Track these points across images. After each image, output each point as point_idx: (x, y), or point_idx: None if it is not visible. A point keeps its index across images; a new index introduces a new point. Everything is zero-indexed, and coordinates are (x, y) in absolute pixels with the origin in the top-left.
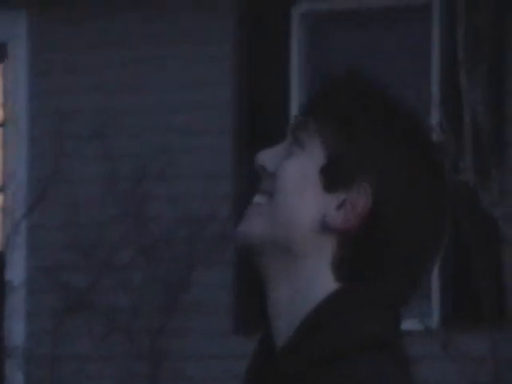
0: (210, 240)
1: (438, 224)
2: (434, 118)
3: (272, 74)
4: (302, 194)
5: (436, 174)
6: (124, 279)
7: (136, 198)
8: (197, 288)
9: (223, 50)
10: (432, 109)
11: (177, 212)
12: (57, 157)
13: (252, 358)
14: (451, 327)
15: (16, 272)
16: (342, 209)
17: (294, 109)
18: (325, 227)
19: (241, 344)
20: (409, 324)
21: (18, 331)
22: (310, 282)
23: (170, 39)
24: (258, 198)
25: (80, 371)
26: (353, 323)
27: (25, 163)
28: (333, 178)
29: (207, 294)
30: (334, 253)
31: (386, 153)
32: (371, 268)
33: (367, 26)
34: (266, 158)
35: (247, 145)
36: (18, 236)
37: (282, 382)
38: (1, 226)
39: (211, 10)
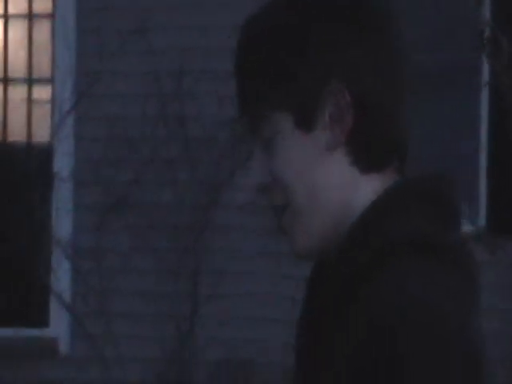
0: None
1: (404, 85)
2: (489, 18)
3: None
4: (310, 172)
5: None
6: (167, 175)
7: (178, 95)
8: (239, 187)
9: None
10: (487, 12)
11: (220, 111)
12: (102, 51)
13: (311, 269)
14: (498, 233)
15: (63, 164)
16: (334, 124)
17: None
18: (333, 148)
19: (284, 241)
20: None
21: (65, 223)
22: (354, 196)
23: None
24: (283, 216)
25: (124, 264)
26: (401, 223)
27: (72, 56)
28: (307, 119)
29: (249, 193)
30: (350, 156)
31: (342, 50)
32: (379, 139)
33: None
34: (260, 175)
35: None
36: (65, 128)
37: (335, 285)
38: (49, 118)
39: None
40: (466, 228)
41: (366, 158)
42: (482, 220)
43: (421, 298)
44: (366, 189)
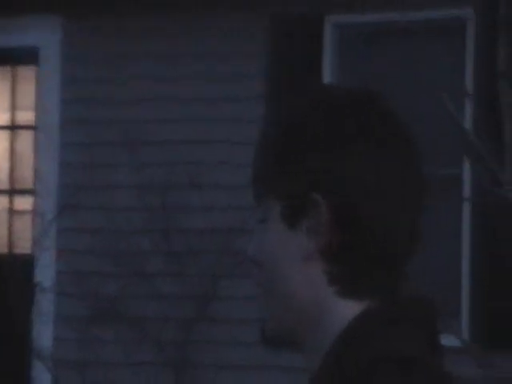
0: (238, 252)
1: (411, 215)
2: (471, 130)
3: (304, 89)
4: (283, 269)
5: (398, 163)
6: (152, 288)
7: (165, 207)
8: (224, 299)
9: (253, 64)
10: (468, 122)
11: (205, 222)
12: (88, 163)
13: None
14: (483, 345)
15: (45, 275)
16: (311, 235)
17: None
18: (309, 259)
19: (267, 355)
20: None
21: (46, 334)
22: (327, 316)
23: (201, 53)
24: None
25: (107, 378)
26: (374, 346)
27: (56, 168)
28: (289, 217)
29: (234, 305)
30: (328, 274)
31: (327, 164)
32: (362, 268)
33: (401, 39)
34: (250, 249)
35: None
36: (47, 239)
37: None
38: (31, 228)
39: (241, 24)
40: (451, 343)
41: (345, 283)
42: (465, 333)
43: None
44: (342, 312)
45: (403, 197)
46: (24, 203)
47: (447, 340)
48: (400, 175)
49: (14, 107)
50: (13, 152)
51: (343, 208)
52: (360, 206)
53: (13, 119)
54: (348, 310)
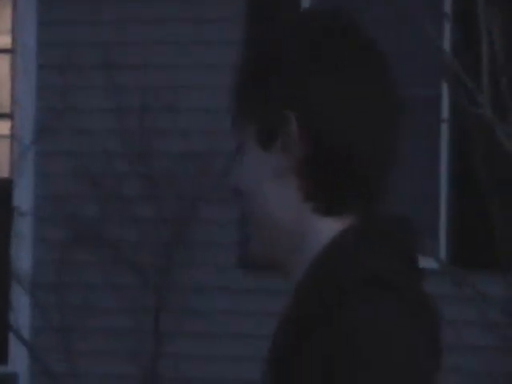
0: (216, 175)
1: (385, 134)
2: (449, 51)
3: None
4: (262, 190)
5: (368, 80)
6: (130, 211)
7: (142, 130)
8: (202, 223)
9: None
10: (445, 43)
11: (183, 146)
12: (64, 87)
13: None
14: (459, 266)
15: (24, 199)
16: (284, 152)
17: None
18: (282, 176)
19: (245, 278)
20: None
21: (25, 257)
22: (307, 236)
23: None
24: (248, 222)
25: (85, 300)
26: (351, 268)
27: (33, 92)
28: (263, 138)
29: (212, 228)
30: (302, 191)
31: (304, 82)
32: (334, 184)
33: None
34: (231, 179)
35: None
36: (25, 163)
37: (294, 325)
38: (9, 153)
39: None
40: (428, 263)
41: (319, 199)
42: (443, 254)
43: (373, 341)
44: (321, 230)
45: (374, 115)
46: (2, 127)
47: (425, 261)
48: (372, 95)
49: None
50: None
51: (312, 124)
52: (329, 122)
53: None
54: (326, 227)
